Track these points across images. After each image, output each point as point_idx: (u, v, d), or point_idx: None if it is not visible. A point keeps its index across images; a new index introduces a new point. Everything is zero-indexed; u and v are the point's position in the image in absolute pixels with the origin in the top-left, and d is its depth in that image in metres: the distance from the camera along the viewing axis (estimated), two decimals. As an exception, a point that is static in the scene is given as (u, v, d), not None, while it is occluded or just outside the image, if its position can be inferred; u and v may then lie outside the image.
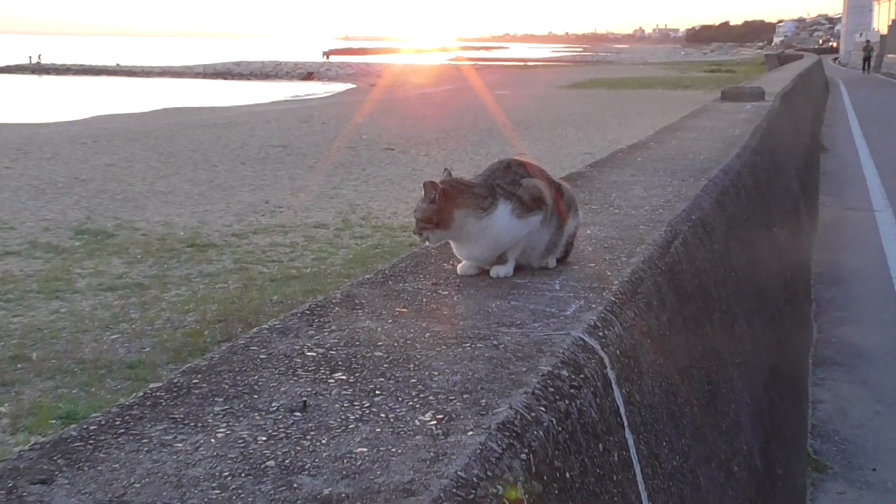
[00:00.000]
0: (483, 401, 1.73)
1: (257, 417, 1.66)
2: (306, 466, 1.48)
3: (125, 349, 7.30)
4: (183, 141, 22.16)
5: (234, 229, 12.25)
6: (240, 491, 1.40)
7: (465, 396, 1.76)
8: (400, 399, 1.74)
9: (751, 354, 4.06)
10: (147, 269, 10.04)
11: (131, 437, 1.59)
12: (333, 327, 2.19)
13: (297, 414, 1.67)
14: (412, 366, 1.92)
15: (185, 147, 21.00)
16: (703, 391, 3.00)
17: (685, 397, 2.73)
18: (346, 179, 16.54)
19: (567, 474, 1.73)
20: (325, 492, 1.40)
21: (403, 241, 11.16)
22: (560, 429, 1.76)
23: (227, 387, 1.80)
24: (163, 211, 13.65)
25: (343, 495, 1.39)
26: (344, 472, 1.46)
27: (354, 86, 52.20)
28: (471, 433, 1.59)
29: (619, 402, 2.10)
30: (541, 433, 1.69)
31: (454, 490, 1.41)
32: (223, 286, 9.25)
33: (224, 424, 1.63)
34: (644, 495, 2.09)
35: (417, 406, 1.71)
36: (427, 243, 2.75)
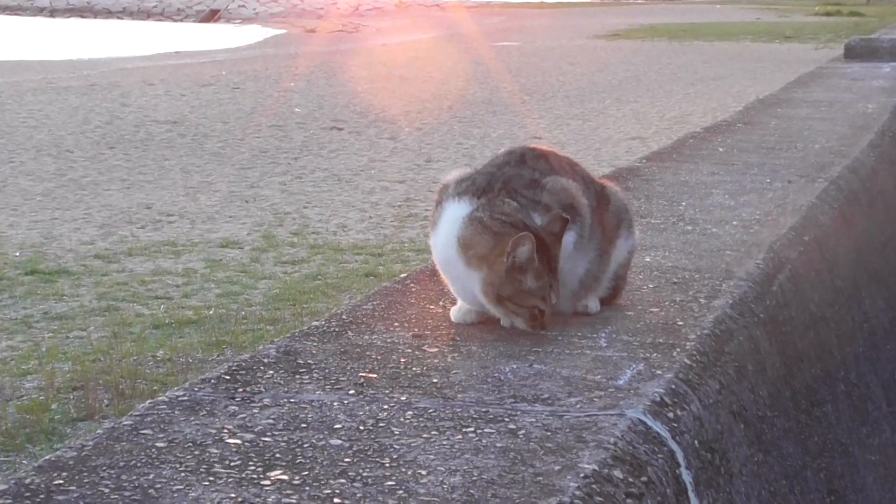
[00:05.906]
0: (497, 515, 1.75)
1: (155, 538, 1.68)
2: None
3: (-71, 431, 7.28)
4: (19, 112, 22.16)
5: (97, 248, 12.23)
6: None
7: (469, 508, 1.78)
8: (370, 511, 1.76)
9: (893, 449, 4.09)
10: (-37, 308, 10.01)
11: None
12: (267, 401, 2.21)
13: (216, 533, 1.69)
14: (388, 461, 1.94)
15: (23, 122, 20.99)
16: None
17: (795, 512, 2.75)
18: (270, 174, 16.55)
19: None
20: None
21: (356, 269, 11.16)
22: (613, 559, 1.78)
23: (107, 491, 1.82)
24: (-12, 219, 13.63)
25: None
26: None
27: (283, 31, 52.27)
28: (480, 564, 1.61)
29: (700, 519, 2.12)
30: (585, 565, 1.71)
31: None
32: (80, 335, 9.23)
33: (104, 548, 1.65)
34: None
35: (397, 522, 1.73)
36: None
